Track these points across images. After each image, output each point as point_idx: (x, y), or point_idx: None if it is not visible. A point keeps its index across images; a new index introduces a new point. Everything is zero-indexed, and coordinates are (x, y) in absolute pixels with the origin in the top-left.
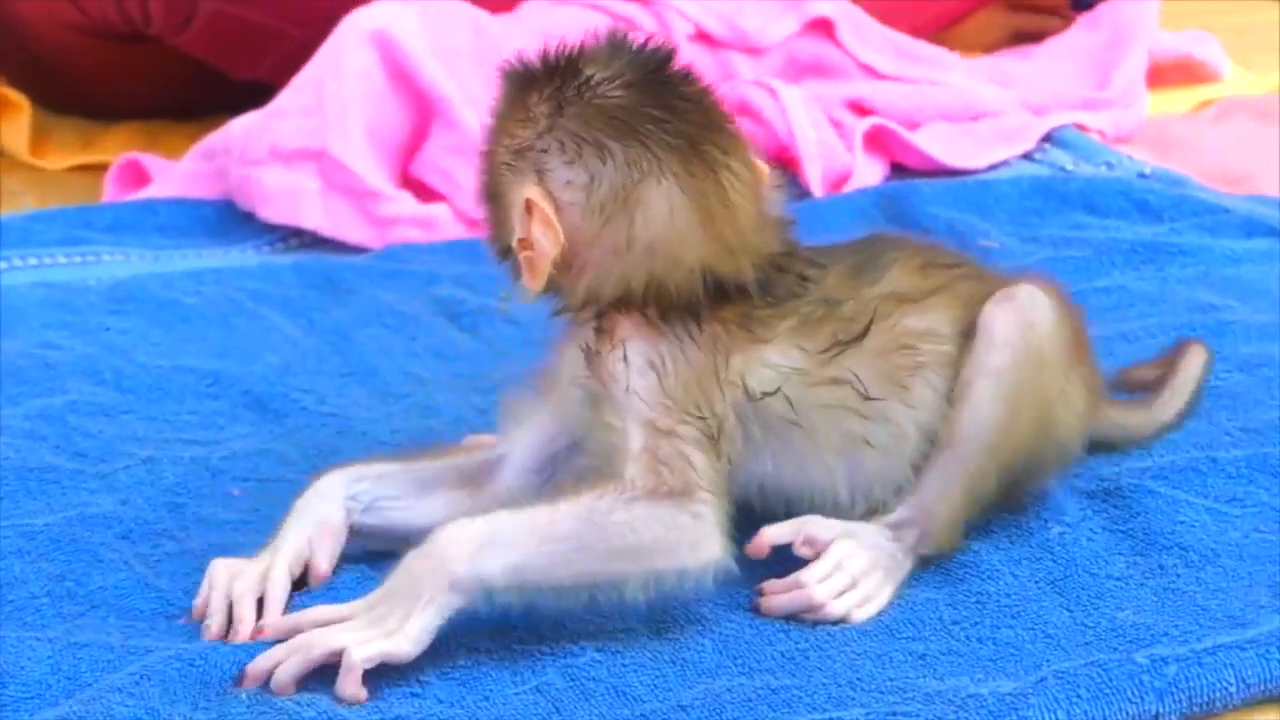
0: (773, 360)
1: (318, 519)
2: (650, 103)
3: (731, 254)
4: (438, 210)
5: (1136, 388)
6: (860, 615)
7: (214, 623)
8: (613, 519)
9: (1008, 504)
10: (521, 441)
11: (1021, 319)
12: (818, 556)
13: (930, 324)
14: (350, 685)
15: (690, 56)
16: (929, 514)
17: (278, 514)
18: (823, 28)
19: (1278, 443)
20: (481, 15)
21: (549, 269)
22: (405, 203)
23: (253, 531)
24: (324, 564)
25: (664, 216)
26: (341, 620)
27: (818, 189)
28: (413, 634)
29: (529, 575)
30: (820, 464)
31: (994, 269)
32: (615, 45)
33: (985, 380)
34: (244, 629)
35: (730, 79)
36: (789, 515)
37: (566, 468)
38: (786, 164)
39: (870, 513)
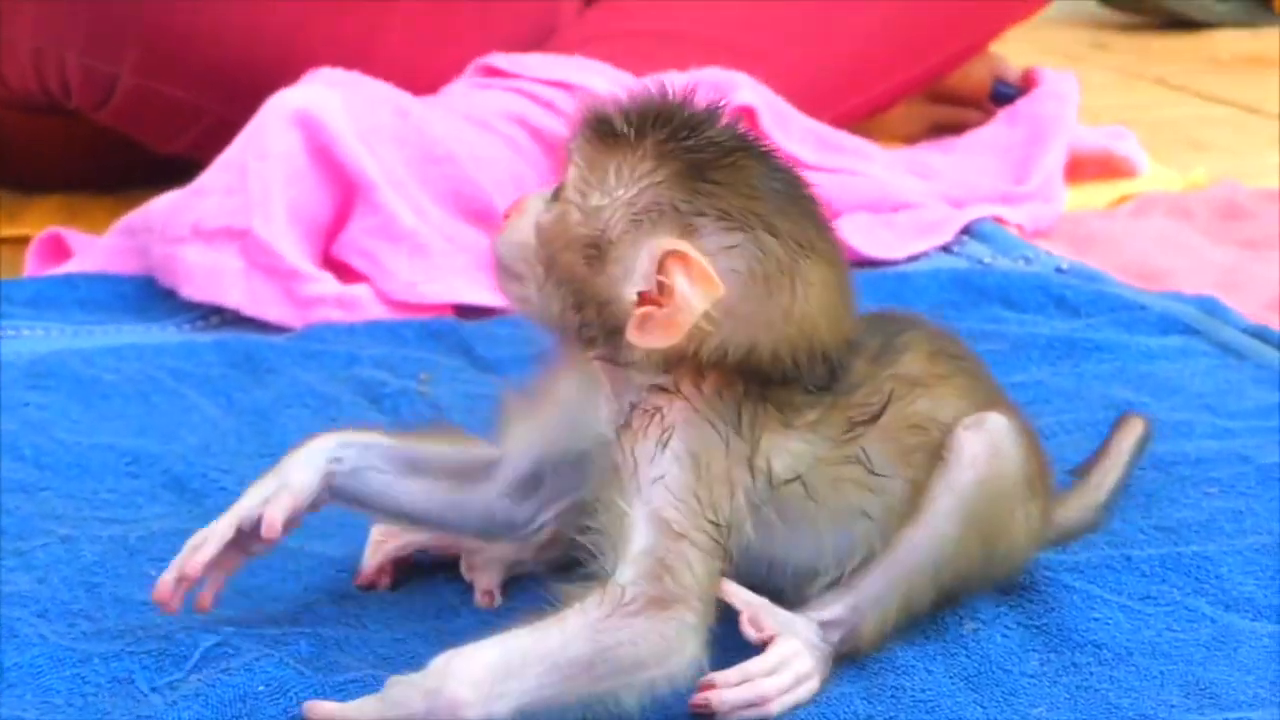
0: (795, 448)
1: (281, 481)
2: (775, 176)
3: (841, 334)
4: (359, 291)
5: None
6: (780, 709)
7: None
8: (618, 637)
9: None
10: (512, 453)
11: (991, 445)
12: (760, 643)
13: (934, 409)
14: None
15: None
16: (861, 617)
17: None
18: (746, 117)
19: (1191, 541)
20: (404, 97)
21: (691, 325)
22: (327, 283)
23: None
24: (276, 517)
25: (818, 294)
26: None
27: None
28: None
29: (537, 706)
30: (815, 534)
31: (987, 370)
32: (676, 100)
33: (948, 497)
34: (189, 569)
35: None
36: (767, 578)
37: (553, 486)
38: None
39: (833, 582)
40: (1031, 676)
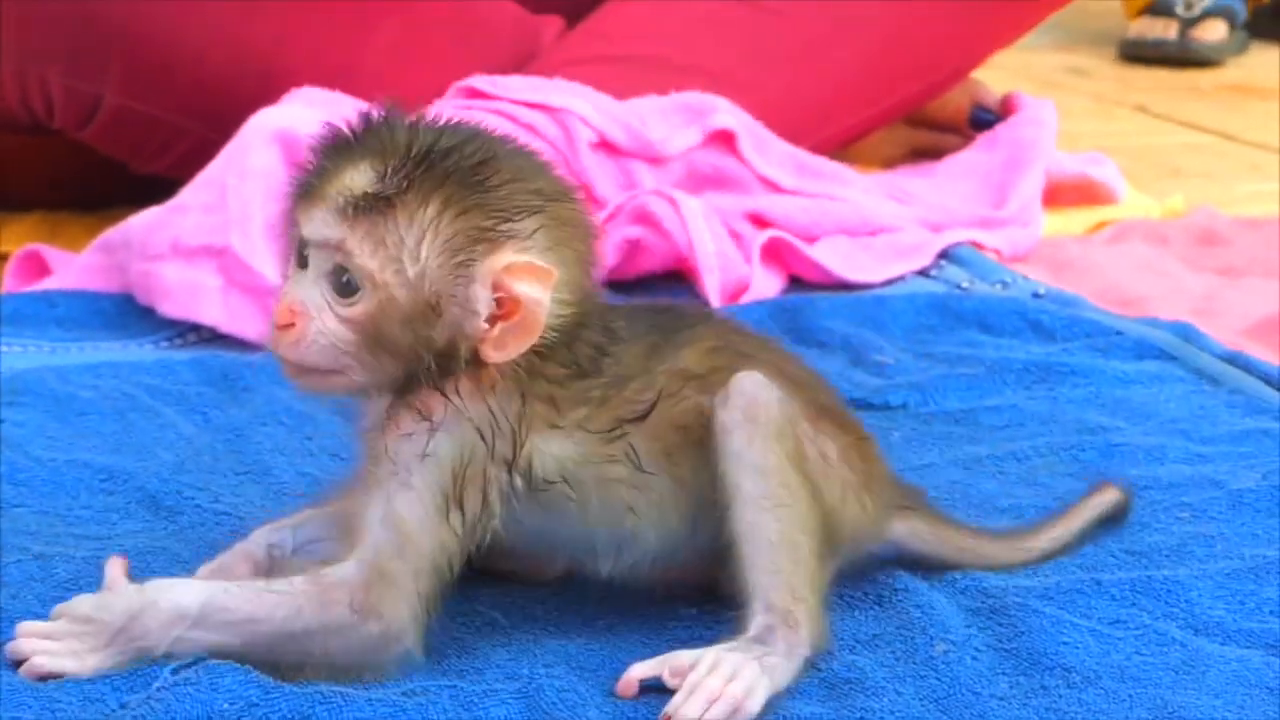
0: (560, 450)
1: (237, 548)
2: (508, 144)
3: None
4: None
5: None
6: (753, 704)
7: None
8: (313, 624)
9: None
10: None
11: (745, 400)
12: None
13: (705, 404)
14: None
15: (592, 164)
16: (772, 607)
17: None
18: (725, 140)
19: (1162, 566)
20: None
21: (544, 318)
22: None
23: None
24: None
25: (587, 233)
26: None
27: (716, 299)
28: (92, 665)
29: (221, 650)
30: (584, 527)
31: (789, 360)
32: (384, 124)
33: (735, 468)
34: None
35: (632, 188)
36: (550, 553)
37: None
38: (685, 273)
39: (626, 571)
40: (1001, 699)
